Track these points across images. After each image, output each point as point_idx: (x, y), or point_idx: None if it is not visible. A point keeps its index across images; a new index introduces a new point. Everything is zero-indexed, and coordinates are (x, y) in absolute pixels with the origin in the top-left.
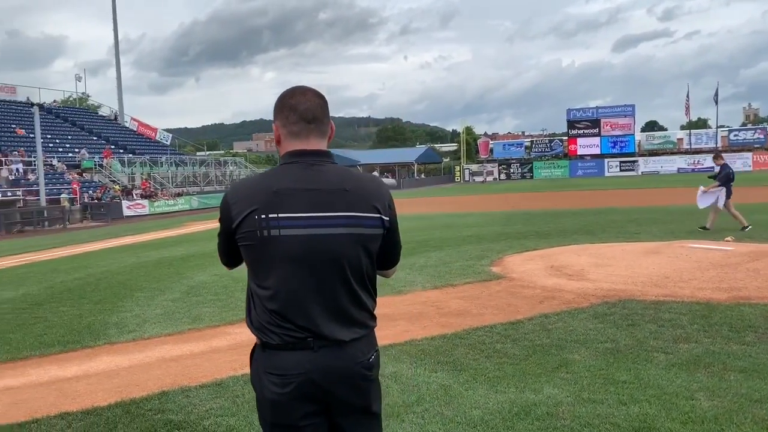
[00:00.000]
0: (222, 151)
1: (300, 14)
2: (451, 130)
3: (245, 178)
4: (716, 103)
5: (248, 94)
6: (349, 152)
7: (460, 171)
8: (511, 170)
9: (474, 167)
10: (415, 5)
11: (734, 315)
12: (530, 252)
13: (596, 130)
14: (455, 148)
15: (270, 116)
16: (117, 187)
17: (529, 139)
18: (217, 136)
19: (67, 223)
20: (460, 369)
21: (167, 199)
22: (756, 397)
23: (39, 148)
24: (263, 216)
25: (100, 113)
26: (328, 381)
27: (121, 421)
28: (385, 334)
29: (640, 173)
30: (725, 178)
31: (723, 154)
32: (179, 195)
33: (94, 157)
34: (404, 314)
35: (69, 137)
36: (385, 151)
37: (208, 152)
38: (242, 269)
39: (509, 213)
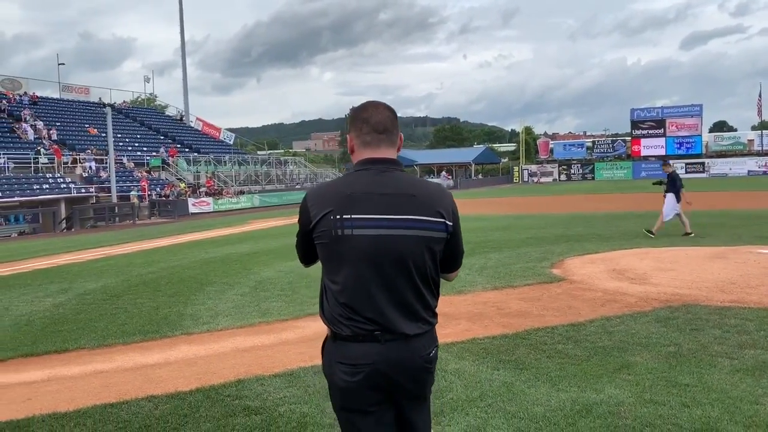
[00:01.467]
0: (281, 150)
1: (360, 15)
2: (509, 130)
3: (322, 182)
4: None
5: (307, 94)
6: (406, 152)
7: (518, 171)
8: (572, 171)
9: (533, 167)
10: (477, 4)
11: None
12: (591, 255)
13: (661, 131)
14: (514, 148)
15: (328, 116)
16: (183, 184)
17: (591, 140)
18: (277, 136)
19: (136, 219)
20: (521, 368)
21: (231, 197)
22: None
23: (111, 147)
24: (338, 217)
25: (167, 113)
26: (393, 371)
27: (203, 405)
28: (447, 332)
29: (708, 175)
30: (674, 185)
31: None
32: (242, 193)
33: (162, 155)
34: (465, 314)
35: (138, 136)
36: (443, 151)
37: (268, 151)
38: (316, 266)
39: (570, 215)
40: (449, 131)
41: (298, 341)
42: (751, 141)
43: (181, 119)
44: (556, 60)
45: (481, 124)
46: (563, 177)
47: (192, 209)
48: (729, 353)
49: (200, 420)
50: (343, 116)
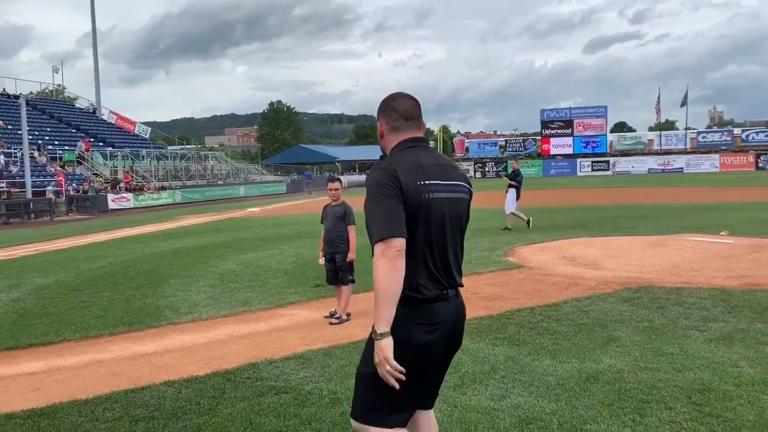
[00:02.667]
0: (193, 146)
1: (274, 9)
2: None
3: (390, 157)
4: (685, 105)
5: (219, 88)
6: (326, 148)
7: None
8: (486, 169)
9: None
10: (392, 3)
11: (750, 299)
12: (538, 244)
13: (569, 130)
14: (431, 146)
15: (241, 111)
16: (100, 180)
17: (504, 139)
18: (187, 130)
19: (54, 215)
20: (518, 344)
21: (152, 193)
22: None
23: (25, 140)
24: (425, 182)
25: (77, 105)
26: (456, 324)
27: (226, 387)
28: None
29: (612, 173)
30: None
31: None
32: (163, 189)
33: (80, 149)
34: None
35: (48, 129)
36: (363, 148)
37: (179, 146)
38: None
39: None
40: (369, 129)
41: (292, 327)
42: (651, 141)
43: (93, 112)
44: (467, 61)
45: None
46: (478, 174)
47: (112, 205)
48: (696, 326)
49: (232, 400)
50: (260, 111)
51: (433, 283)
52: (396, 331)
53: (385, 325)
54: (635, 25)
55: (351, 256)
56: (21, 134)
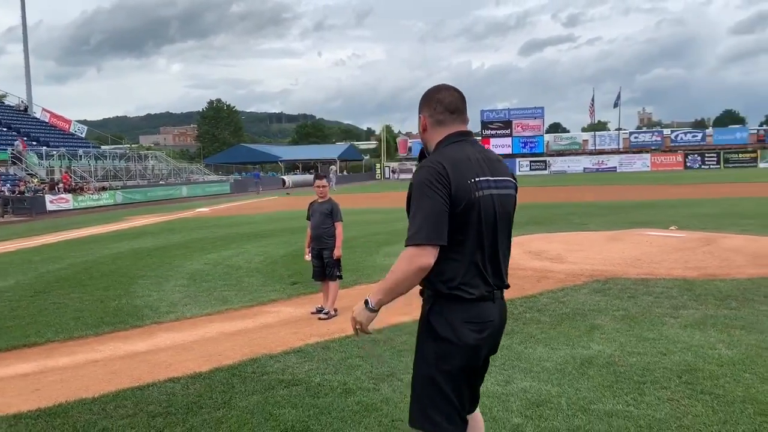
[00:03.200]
0: (128, 145)
1: (210, 6)
2: (365, 129)
3: (436, 153)
4: (618, 106)
5: (153, 86)
6: (269, 147)
7: (380, 168)
8: None
9: (394, 165)
10: (331, 2)
11: (712, 288)
12: None
13: (508, 131)
14: (374, 146)
15: (176, 109)
16: (36, 180)
17: None
18: (120, 129)
19: None
20: (507, 333)
21: (92, 194)
22: (764, 346)
23: None
24: (474, 180)
25: (6, 103)
26: (501, 325)
27: (234, 381)
28: (412, 310)
29: (549, 172)
30: None
31: (624, 155)
32: (104, 189)
33: (17, 148)
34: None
35: None
36: (306, 148)
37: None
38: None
39: None
40: (311, 128)
41: (281, 324)
42: (585, 141)
43: (25, 110)
44: (407, 61)
45: (337, 122)
46: None
47: (50, 206)
48: (669, 314)
49: (244, 394)
50: (196, 110)
51: (482, 283)
52: (443, 329)
53: (378, 305)
54: (569, 28)
55: (338, 252)
56: None
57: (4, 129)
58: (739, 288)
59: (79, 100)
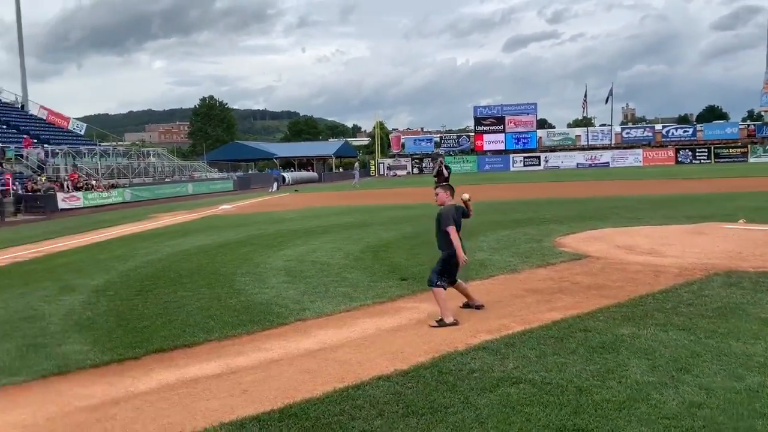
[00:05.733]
0: (113, 143)
1: (194, 2)
2: (351, 125)
3: None
4: (610, 101)
5: (135, 83)
6: (263, 145)
7: (375, 165)
8: (424, 165)
9: (389, 161)
10: None
11: None
12: (577, 234)
13: (501, 127)
14: (366, 142)
15: (159, 106)
16: (43, 178)
17: (438, 135)
18: (102, 127)
19: (3, 216)
20: (684, 329)
21: (102, 192)
22: None
23: None
24: None
25: (4, 100)
26: None
27: (450, 379)
28: (565, 304)
29: (543, 168)
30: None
31: (616, 151)
32: (113, 187)
33: (31, 149)
34: (548, 289)
35: None
36: (301, 145)
37: (108, 143)
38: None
39: (487, 203)
40: (304, 124)
41: (430, 320)
42: (578, 137)
43: (22, 107)
44: (391, 58)
45: (321, 119)
46: (416, 170)
47: (62, 205)
48: None
49: (474, 391)
50: (179, 107)
51: None
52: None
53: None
54: (553, 24)
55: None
56: None
57: (4, 126)
58: None
59: (60, 97)
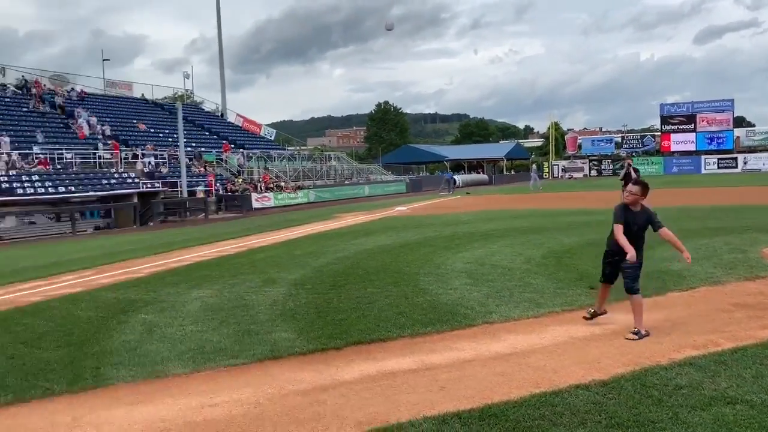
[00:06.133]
0: (297, 147)
1: (372, 10)
2: (523, 126)
3: None
4: None
5: (317, 90)
6: (434, 148)
7: (548, 167)
8: (602, 166)
9: (564, 163)
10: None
11: None
12: None
13: (691, 126)
14: (539, 143)
15: (337, 113)
16: (240, 180)
17: (620, 135)
18: (287, 132)
19: (207, 214)
20: None
21: (290, 193)
22: None
23: (182, 144)
24: None
25: (205, 109)
26: None
27: (654, 392)
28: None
29: (742, 170)
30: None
31: None
32: (300, 189)
33: (232, 154)
34: (763, 305)
35: (183, 132)
36: (471, 147)
37: (294, 147)
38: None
39: (679, 208)
40: (474, 126)
41: (626, 331)
42: None
43: (221, 115)
44: (568, 55)
45: (492, 120)
46: (593, 172)
47: (255, 204)
48: None
49: (685, 408)
50: (356, 113)
51: None
52: None
53: None
54: (753, 11)
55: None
56: (162, 137)
57: (206, 133)
58: None
59: (251, 106)
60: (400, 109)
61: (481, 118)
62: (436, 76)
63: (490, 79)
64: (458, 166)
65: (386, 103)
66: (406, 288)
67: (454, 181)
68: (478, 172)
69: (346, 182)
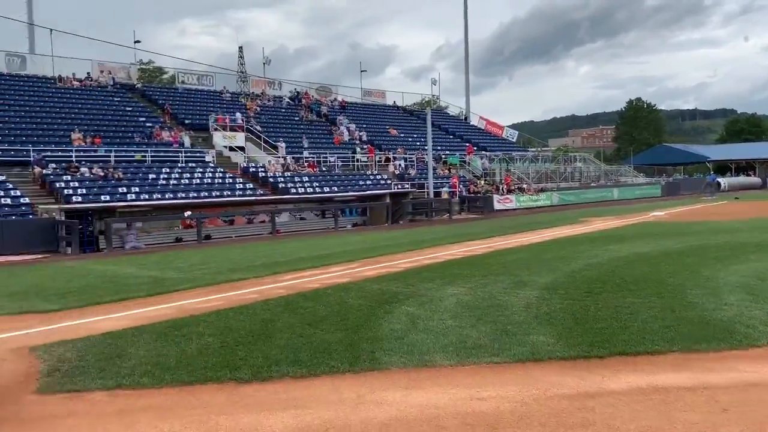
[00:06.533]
0: (538, 149)
1: (623, 3)
2: None
3: None
4: None
5: (560, 90)
6: (692, 147)
7: None
8: None
9: None
10: None
11: None
12: None
13: None
14: None
15: (581, 112)
16: (482, 182)
17: None
18: (528, 134)
19: (451, 214)
20: None
21: (532, 195)
22: None
23: (430, 148)
24: None
25: (450, 113)
26: None
27: None
28: None
29: None
30: None
31: None
32: (542, 191)
33: (455, 155)
34: None
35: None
36: (739, 146)
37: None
38: None
39: None
40: (745, 123)
41: None
42: None
43: (465, 119)
44: None
45: (766, 116)
46: None
47: (497, 206)
48: None
49: None
50: (602, 111)
51: None
52: None
53: None
54: None
55: None
56: (411, 141)
57: (450, 136)
58: None
59: (492, 108)
60: (654, 105)
61: (753, 113)
62: (696, 68)
63: (763, 70)
64: (723, 167)
65: (638, 99)
66: (671, 300)
67: (719, 184)
68: (749, 175)
69: (592, 184)
